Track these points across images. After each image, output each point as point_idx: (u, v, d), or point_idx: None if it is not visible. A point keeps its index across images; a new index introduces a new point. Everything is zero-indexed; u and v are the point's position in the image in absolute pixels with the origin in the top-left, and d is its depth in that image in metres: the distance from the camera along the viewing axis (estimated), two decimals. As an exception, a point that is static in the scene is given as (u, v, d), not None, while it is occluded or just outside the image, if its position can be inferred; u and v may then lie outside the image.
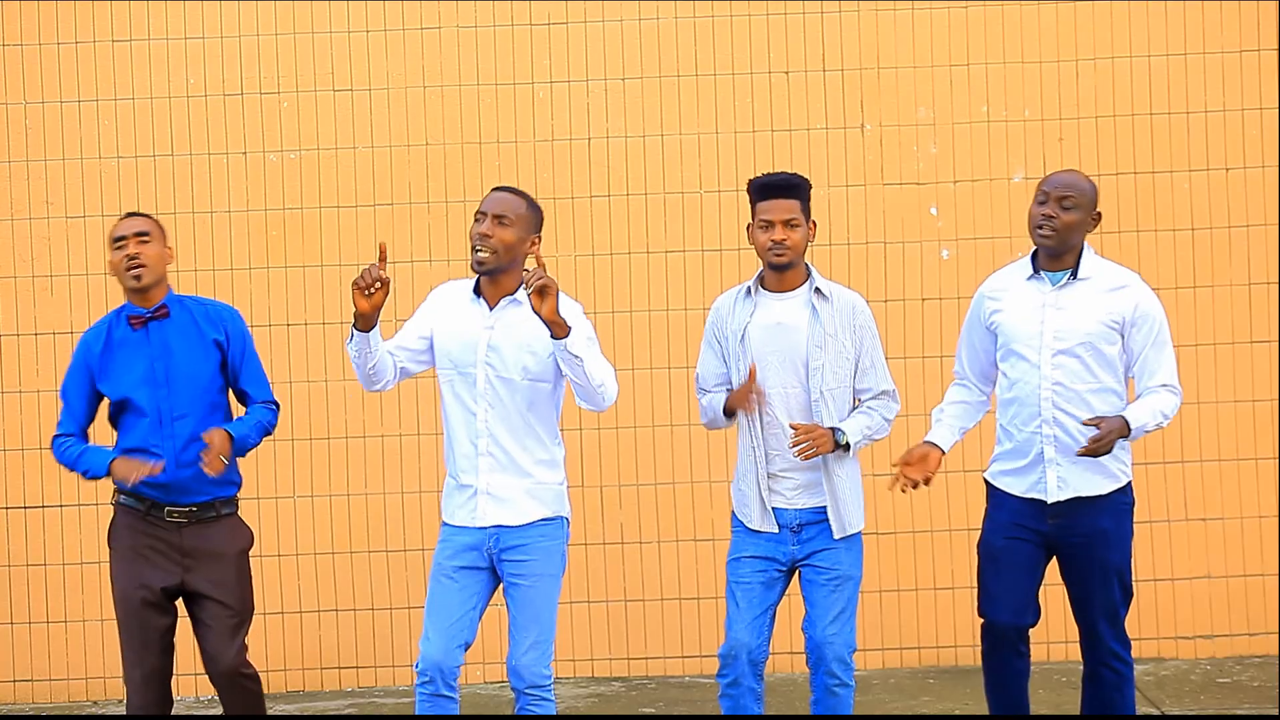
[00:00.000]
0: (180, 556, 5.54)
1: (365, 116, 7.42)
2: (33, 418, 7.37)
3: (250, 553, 5.71)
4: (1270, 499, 7.40)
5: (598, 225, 7.41)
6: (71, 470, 5.59)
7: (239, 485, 5.68)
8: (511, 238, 5.33)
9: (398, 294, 7.36)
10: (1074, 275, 5.43)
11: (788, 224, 5.41)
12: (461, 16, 7.42)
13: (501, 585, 5.42)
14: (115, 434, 5.63)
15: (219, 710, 5.84)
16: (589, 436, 7.37)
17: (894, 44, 7.40)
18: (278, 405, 5.73)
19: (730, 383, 5.58)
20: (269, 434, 5.69)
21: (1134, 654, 7.33)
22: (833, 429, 5.40)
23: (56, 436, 5.65)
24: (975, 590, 5.61)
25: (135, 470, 5.40)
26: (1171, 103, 7.39)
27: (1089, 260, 5.47)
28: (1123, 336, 5.43)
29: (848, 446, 5.42)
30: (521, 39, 7.43)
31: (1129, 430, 5.32)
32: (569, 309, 5.29)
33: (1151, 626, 7.36)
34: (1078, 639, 5.60)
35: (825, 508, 5.44)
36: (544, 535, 5.38)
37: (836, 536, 5.44)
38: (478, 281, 5.44)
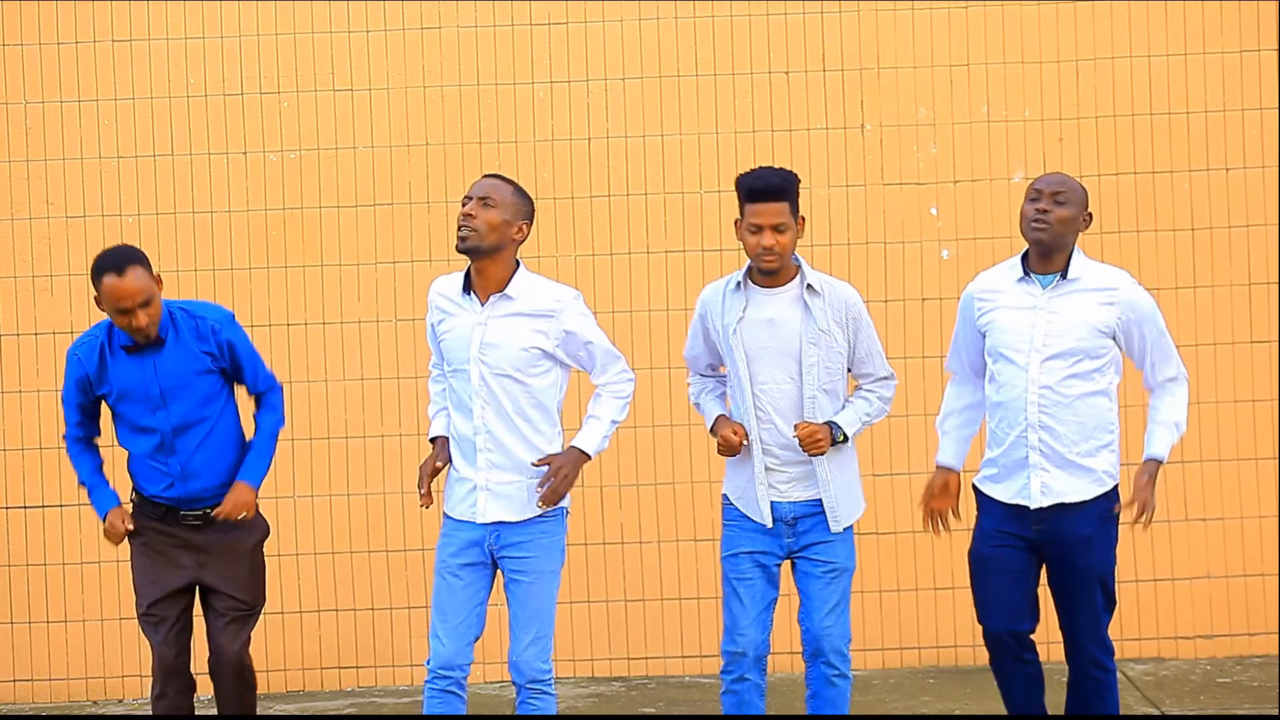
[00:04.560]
0: (197, 553, 5.62)
1: (365, 116, 7.42)
2: (33, 418, 7.37)
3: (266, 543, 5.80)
4: (1270, 499, 7.40)
5: (598, 225, 7.41)
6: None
7: None
8: (496, 219, 5.30)
9: (398, 294, 7.39)
10: (1064, 277, 5.38)
11: (776, 228, 5.32)
12: (461, 16, 7.42)
13: (501, 577, 5.45)
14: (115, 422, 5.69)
15: (215, 710, 5.83)
16: (589, 436, 7.37)
17: (894, 44, 7.40)
18: (280, 386, 5.77)
19: (716, 371, 5.62)
20: (281, 426, 5.72)
21: (1134, 654, 7.38)
22: (829, 424, 5.39)
23: (69, 438, 5.73)
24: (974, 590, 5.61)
25: (118, 532, 5.57)
26: (1171, 103, 7.38)
27: (1079, 262, 5.40)
28: (1117, 342, 5.39)
29: (845, 439, 5.42)
30: (521, 39, 7.42)
31: (1161, 463, 5.40)
32: (583, 320, 5.44)
33: (1151, 626, 7.36)
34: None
35: (820, 500, 5.42)
36: (544, 532, 5.41)
37: (834, 531, 5.42)
38: (467, 276, 5.43)
